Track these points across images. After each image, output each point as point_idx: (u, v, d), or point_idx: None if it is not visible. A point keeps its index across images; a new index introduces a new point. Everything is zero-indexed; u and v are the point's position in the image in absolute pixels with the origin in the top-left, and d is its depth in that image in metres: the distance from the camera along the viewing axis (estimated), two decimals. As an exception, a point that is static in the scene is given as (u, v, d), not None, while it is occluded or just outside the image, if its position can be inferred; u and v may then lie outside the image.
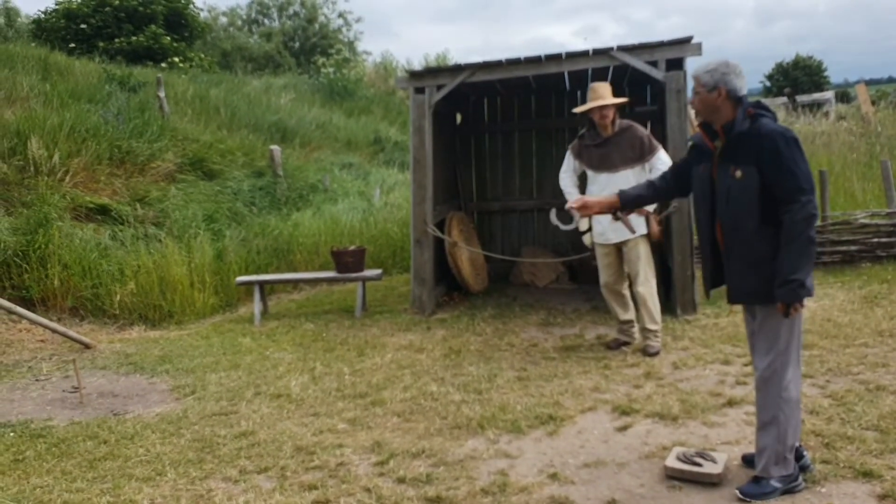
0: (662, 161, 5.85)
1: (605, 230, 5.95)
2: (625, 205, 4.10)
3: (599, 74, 8.08)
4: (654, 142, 5.96)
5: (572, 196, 6.11)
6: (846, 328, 6.05)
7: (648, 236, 5.89)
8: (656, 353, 5.85)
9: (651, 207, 5.72)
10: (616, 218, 5.70)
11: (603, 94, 5.88)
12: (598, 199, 4.20)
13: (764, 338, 3.48)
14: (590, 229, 6.11)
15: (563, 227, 6.10)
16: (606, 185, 5.85)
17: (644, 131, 5.99)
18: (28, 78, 12.39)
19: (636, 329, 6.15)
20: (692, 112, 6.92)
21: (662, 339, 6.08)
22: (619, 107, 5.99)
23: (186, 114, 13.90)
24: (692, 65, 6.97)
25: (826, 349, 5.55)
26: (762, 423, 3.51)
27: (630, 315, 6.13)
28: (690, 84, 6.93)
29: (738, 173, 3.39)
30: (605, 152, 5.95)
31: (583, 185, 6.23)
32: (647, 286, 5.94)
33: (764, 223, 3.38)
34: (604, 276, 6.11)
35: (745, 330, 6.03)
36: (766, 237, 3.38)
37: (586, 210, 4.15)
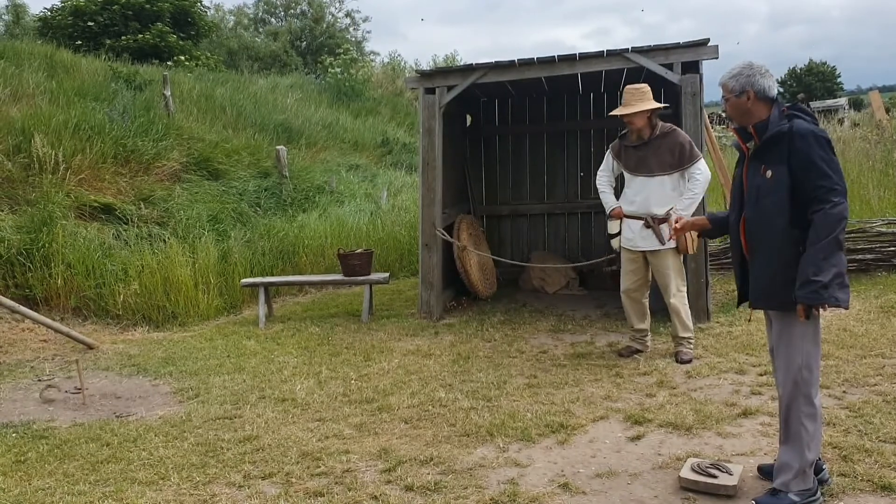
0: (700, 171, 5.69)
1: (634, 237, 5.83)
2: (713, 226, 3.93)
3: (613, 77, 8.01)
4: (696, 150, 5.78)
5: (608, 197, 6.06)
6: (862, 338, 5.95)
7: (677, 248, 5.74)
8: (688, 361, 5.72)
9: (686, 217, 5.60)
10: (647, 226, 5.64)
11: (631, 101, 5.72)
12: (693, 220, 4.04)
13: (785, 350, 3.39)
14: (619, 233, 6.00)
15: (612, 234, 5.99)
16: (642, 190, 5.77)
17: (686, 137, 5.82)
18: (34, 75, 12.35)
19: (650, 338, 6.07)
20: (707, 116, 6.83)
21: (673, 348, 5.98)
22: (656, 111, 5.80)
23: (192, 113, 13.84)
24: (708, 68, 6.90)
25: (842, 359, 5.45)
26: (785, 437, 3.43)
27: (645, 325, 6.02)
28: (706, 87, 6.89)
29: (769, 173, 3.31)
30: (643, 155, 5.80)
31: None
32: (679, 297, 5.82)
33: (791, 226, 3.27)
34: (625, 283, 5.99)
35: (759, 339, 6.01)
36: (792, 241, 3.28)
37: (684, 230, 4.06)
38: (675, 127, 5.86)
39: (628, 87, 5.77)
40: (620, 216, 5.92)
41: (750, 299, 3.53)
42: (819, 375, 3.42)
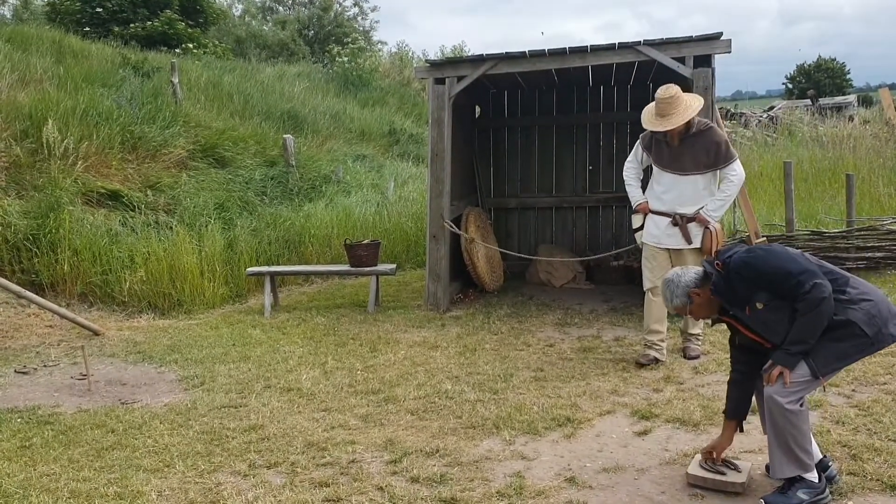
0: (735, 172, 5.43)
1: (660, 234, 5.59)
2: None
3: (624, 70, 7.95)
4: (732, 150, 5.50)
5: (634, 190, 5.81)
6: (872, 336, 5.90)
7: (701, 248, 5.49)
8: (696, 357, 5.66)
9: (715, 218, 5.45)
10: (675, 223, 5.48)
11: (667, 111, 5.34)
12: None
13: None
14: (642, 227, 5.77)
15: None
16: (671, 187, 5.54)
17: (723, 136, 5.56)
18: (42, 60, 12.33)
19: (665, 345, 5.74)
20: (718, 110, 6.76)
21: (681, 343, 5.94)
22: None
23: (199, 100, 13.80)
24: (720, 62, 6.84)
25: (851, 357, 5.41)
26: (771, 441, 3.42)
27: (661, 327, 5.68)
28: (718, 82, 6.83)
29: (759, 305, 3.37)
30: (678, 151, 5.52)
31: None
32: None
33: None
34: (648, 281, 5.71)
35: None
36: None
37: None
38: (711, 124, 5.61)
39: (659, 95, 5.38)
40: (646, 211, 5.69)
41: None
42: (805, 423, 3.37)
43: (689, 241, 5.47)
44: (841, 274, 3.41)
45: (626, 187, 5.90)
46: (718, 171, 5.47)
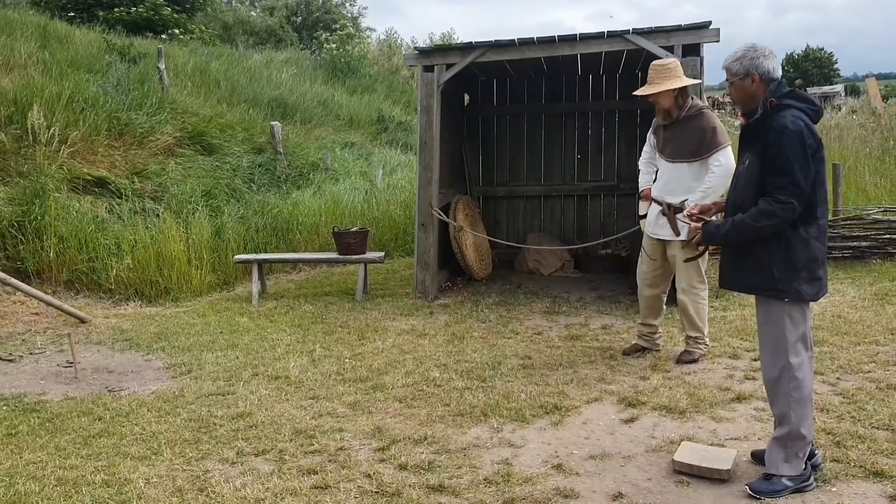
0: (720, 163, 5.05)
1: (652, 223, 5.36)
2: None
3: (613, 59, 7.94)
4: (720, 137, 5.13)
5: (642, 176, 5.64)
6: (857, 325, 5.97)
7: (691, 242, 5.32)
8: (693, 361, 5.30)
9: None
10: (664, 213, 5.22)
11: (655, 79, 5.17)
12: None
13: (766, 335, 3.45)
14: (646, 215, 5.56)
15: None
16: (662, 174, 5.34)
17: (712, 122, 5.19)
18: (27, 45, 12.17)
19: (660, 336, 5.63)
20: (707, 99, 6.75)
21: (668, 332, 5.96)
22: (684, 89, 5.24)
23: (186, 87, 13.70)
24: (709, 52, 6.84)
25: (836, 346, 5.47)
26: (776, 420, 3.46)
27: (653, 320, 5.55)
28: (707, 71, 6.83)
29: (746, 162, 3.38)
30: (668, 137, 5.31)
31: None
32: (690, 295, 5.29)
33: None
34: (641, 266, 5.54)
35: (753, 324, 5.98)
36: None
37: (694, 218, 3.82)
38: (703, 109, 5.28)
39: (654, 62, 5.27)
40: (648, 198, 5.47)
41: (719, 279, 3.63)
42: (806, 360, 3.41)
43: (676, 234, 5.13)
44: (824, 212, 3.38)
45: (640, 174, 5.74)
46: (706, 161, 5.14)
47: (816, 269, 3.32)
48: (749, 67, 3.36)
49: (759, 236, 3.30)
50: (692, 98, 5.35)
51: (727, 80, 3.49)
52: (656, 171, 5.54)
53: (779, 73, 3.40)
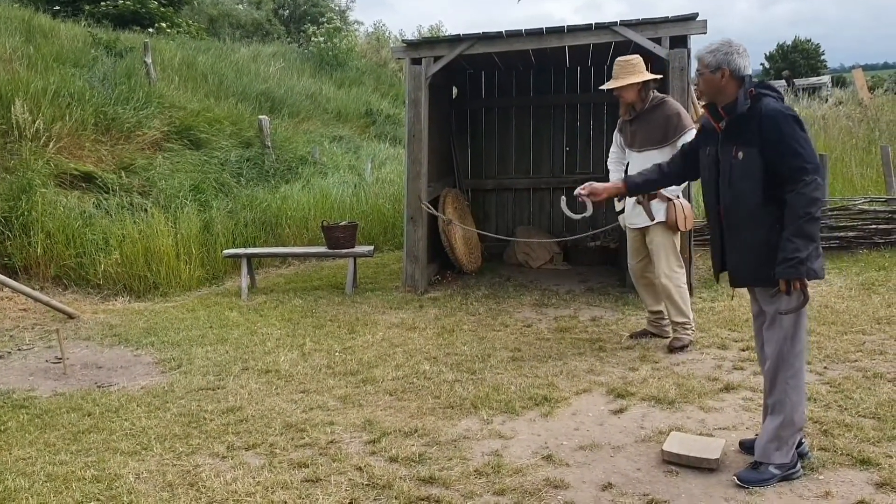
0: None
1: (630, 213, 5.58)
2: (631, 190, 4.10)
3: (602, 51, 7.95)
4: (685, 121, 5.40)
5: (612, 175, 5.78)
6: (843, 315, 6.01)
7: (667, 224, 5.41)
8: (682, 348, 5.38)
9: (675, 193, 5.34)
10: (638, 202, 5.42)
11: (620, 74, 5.41)
12: (606, 185, 4.10)
13: (769, 324, 3.44)
14: (623, 210, 5.73)
15: (573, 216, 5.25)
16: (633, 165, 5.48)
17: (675, 108, 5.47)
18: (11, 39, 12.06)
19: (668, 323, 5.67)
20: (694, 92, 6.78)
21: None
22: (647, 83, 5.46)
23: (173, 81, 13.62)
24: (696, 43, 6.87)
25: (823, 336, 5.51)
26: (770, 408, 3.48)
27: (657, 307, 5.68)
28: (694, 63, 6.85)
29: (740, 154, 3.36)
30: (634, 129, 5.54)
31: None
32: (672, 278, 5.42)
33: (765, 204, 3.34)
34: (629, 260, 5.76)
35: (742, 314, 6.04)
36: (767, 219, 3.34)
37: (595, 196, 4.01)
38: (665, 98, 5.58)
39: (618, 59, 5.51)
40: (589, 195, 5.65)
41: (730, 277, 3.59)
42: (804, 349, 3.45)
43: (651, 218, 5.40)
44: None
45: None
46: (674, 146, 5.29)
47: (818, 245, 3.33)
48: (721, 62, 3.38)
49: (818, 227, 3.25)
50: (653, 91, 5.56)
51: (697, 70, 3.51)
52: (626, 167, 5.68)
53: (749, 71, 3.42)
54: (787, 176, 3.25)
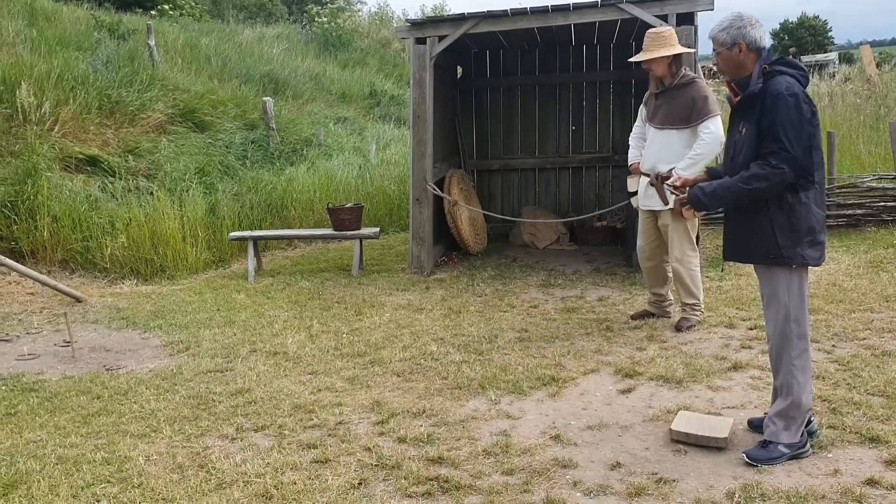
0: (709, 131, 5.11)
1: (643, 195, 5.46)
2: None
3: (607, 28, 7.88)
4: (710, 106, 5.20)
5: (630, 151, 5.70)
6: (851, 293, 5.99)
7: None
8: (690, 328, 5.38)
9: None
10: (651, 184, 5.32)
11: (651, 46, 5.24)
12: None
13: (772, 304, 3.45)
14: (636, 192, 5.64)
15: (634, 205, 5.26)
16: (652, 143, 5.39)
17: (703, 92, 5.26)
18: (14, 23, 12.01)
19: (670, 304, 5.70)
20: (701, 69, 6.72)
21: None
22: (678, 57, 5.33)
23: (177, 63, 13.57)
24: (703, 20, 6.79)
25: (832, 314, 5.49)
26: (778, 388, 3.48)
27: (659, 289, 5.67)
28: (701, 40, 6.78)
29: (744, 130, 3.36)
30: (658, 104, 5.38)
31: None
32: (682, 263, 5.36)
33: None
34: (638, 241, 5.68)
35: (749, 293, 6.03)
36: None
37: (680, 189, 3.80)
38: (695, 77, 5.36)
39: (649, 30, 5.33)
40: (637, 172, 5.53)
41: (723, 252, 3.63)
42: (808, 328, 3.45)
43: (665, 203, 5.20)
44: (822, 177, 3.37)
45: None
46: (695, 129, 5.21)
47: (818, 233, 3.33)
48: (736, 37, 3.35)
49: (749, 199, 3.31)
50: (685, 68, 5.44)
51: (714, 49, 3.46)
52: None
53: (766, 41, 3.38)
54: (763, 152, 3.25)
